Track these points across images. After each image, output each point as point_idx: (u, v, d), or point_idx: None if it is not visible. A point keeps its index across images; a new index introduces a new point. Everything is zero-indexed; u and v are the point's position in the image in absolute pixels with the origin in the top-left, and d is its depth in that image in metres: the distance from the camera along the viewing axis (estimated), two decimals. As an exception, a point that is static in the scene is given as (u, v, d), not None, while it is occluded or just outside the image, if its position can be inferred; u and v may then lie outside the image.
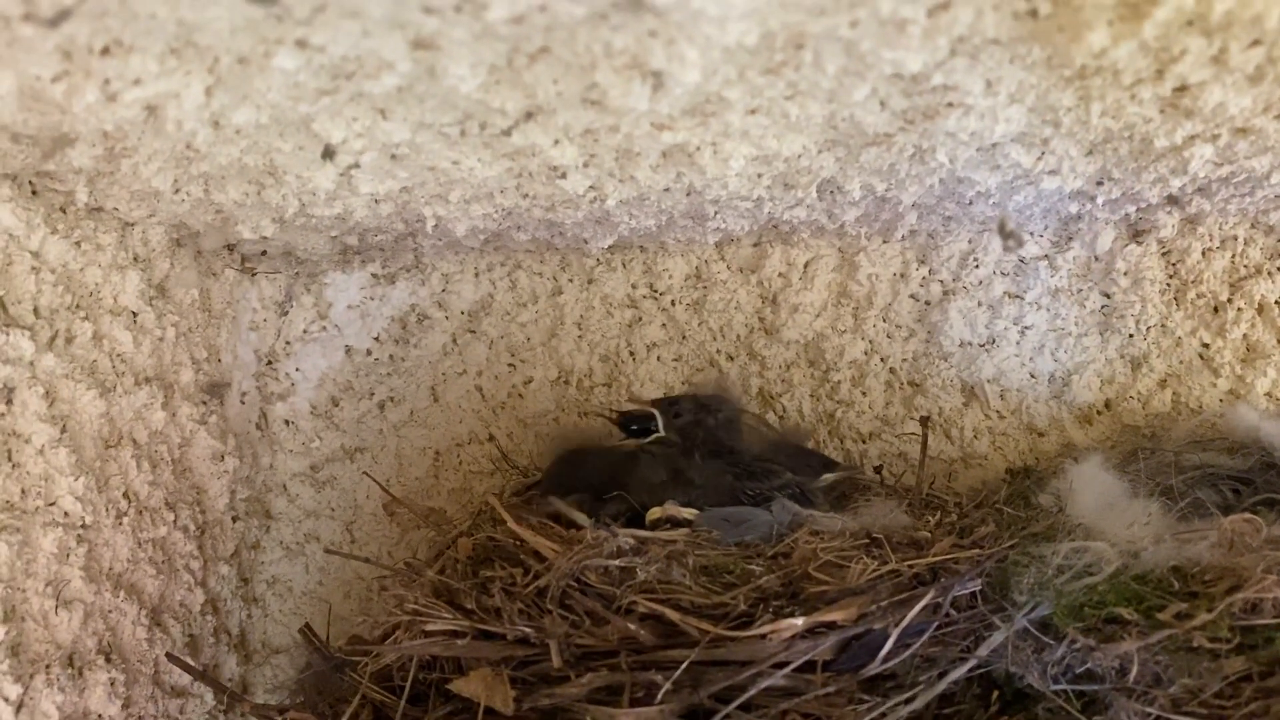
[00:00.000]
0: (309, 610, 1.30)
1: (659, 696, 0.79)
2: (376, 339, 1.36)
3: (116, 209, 1.06)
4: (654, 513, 0.99)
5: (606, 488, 1.09)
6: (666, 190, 1.05)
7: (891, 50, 0.76)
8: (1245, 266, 1.24)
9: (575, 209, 1.10)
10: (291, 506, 1.34)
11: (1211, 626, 0.80)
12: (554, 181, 1.00)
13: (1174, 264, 1.25)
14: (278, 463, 1.35)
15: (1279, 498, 0.98)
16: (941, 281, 1.29)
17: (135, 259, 1.11)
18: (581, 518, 1.01)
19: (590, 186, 1.02)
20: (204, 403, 1.22)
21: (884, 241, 1.29)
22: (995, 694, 0.82)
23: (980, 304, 1.28)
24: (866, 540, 0.93)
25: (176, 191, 1.01)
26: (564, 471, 1.16)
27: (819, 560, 0.89)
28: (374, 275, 1.36)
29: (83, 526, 1.00)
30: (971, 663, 0.82)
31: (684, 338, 1.33)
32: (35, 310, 0.98)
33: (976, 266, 1.28)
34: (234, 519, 1.28)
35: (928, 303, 1.29)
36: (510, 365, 1.35)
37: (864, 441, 1.30)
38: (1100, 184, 1.09)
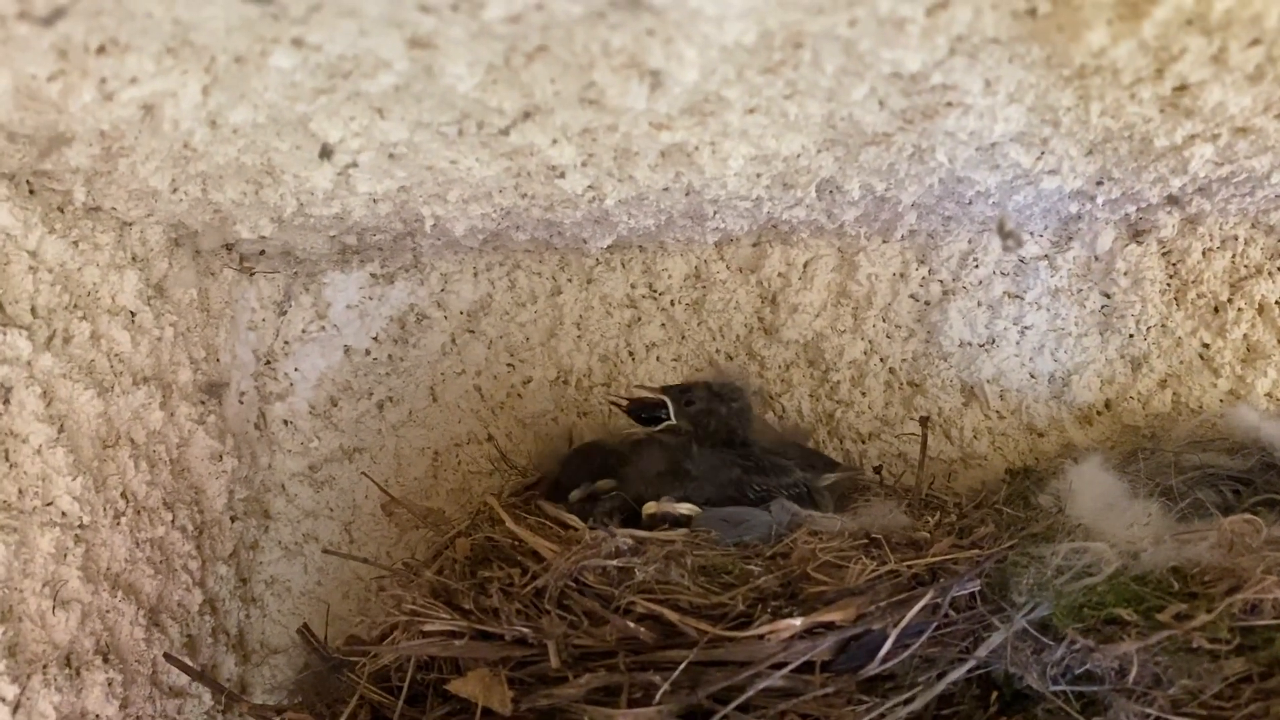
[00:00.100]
0: (307, 610, 1.30)
1: (657, 697, 0.78)
2: (375, 339, 1.36)
3: (114, 208, 1.05)
4: (649, 508, 0.99)
5: (612, 476, 1.09)
6: (665, 190, 1.05)
7: (890, 49, 0.75)
8: (1245, 266, 1.24)
9: (574, 209, 1.10)
10: (290, 506, 1.34)
11: (1211, 627, 0.80)
12: (552, 181, 1.00)
13: (1174, 264, 1.25)
14: (276, 463, 1.35)
15: (1279, 498, 0.98)
16: (941, 281, 1.29)
17: (133, 258, 1.11)
18: (573, 519, 1.01)
19: (589, 186, 1.01)
20: (202, 402, 1.22)
21: (883, 241, 1.29)
22: (994, 695, 0.82)
23: (980, 304, 1.28)
24: (865, 540, 0.93)
25: (174, 191, 1.01)
26: (575, 466, 1.15)
27: (818, 561, 0.89)
28: (373, 275, 1.36)
29: (80, 526, 1.00)
30: (970, 663, 0.81)
31: (683, 338, 1.33)
32: (33, 310, 0.98)
33: (976, 266, 1.28)
34: (232, 519, 1.28)
35: (927, 303, 1.29)
36: (509, 365, 1.35)
37: (863, 442, 1.29)
38: (1100, 184, 1.09)
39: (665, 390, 1.14)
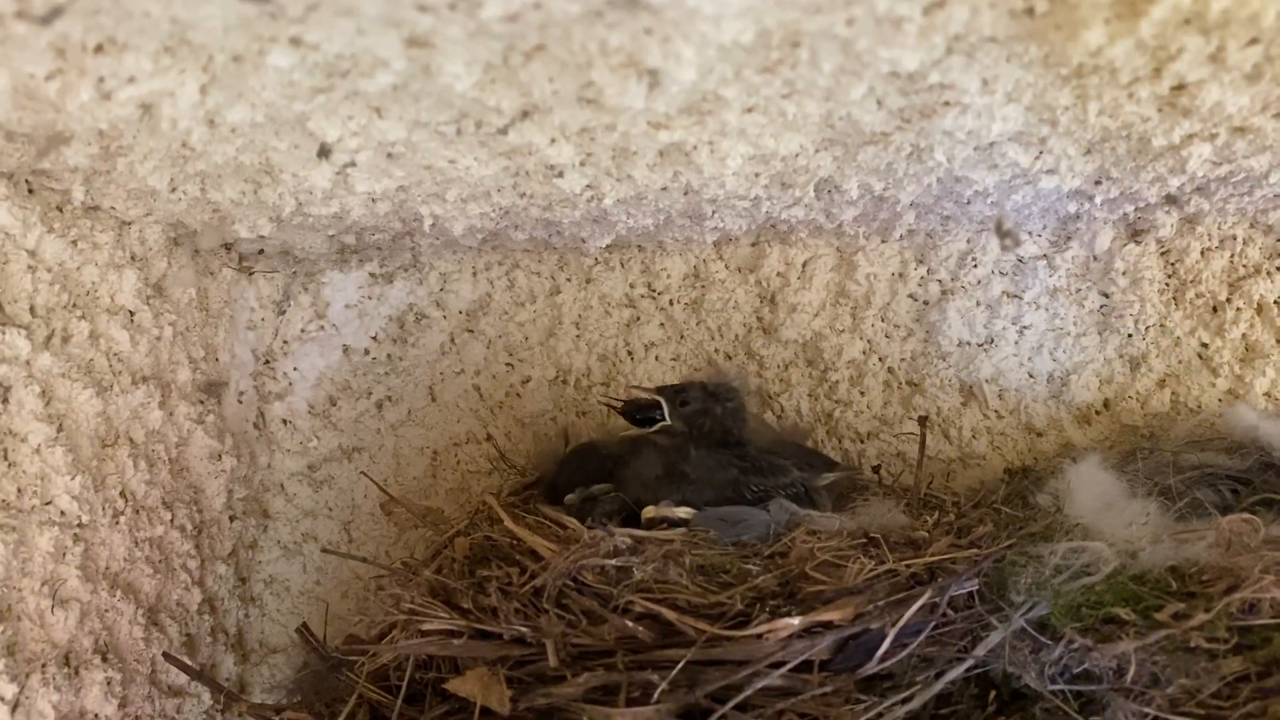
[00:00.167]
0: (306, 610, 1.30)
1: (655, 696, 0.78)
2: (374, 338, 1.36)
3: (113, 208, 1.05)
4: (648, 512, 0.99)
5: (608, 480, 1.09)
6: (664, 189, 1.05)
7: (888, 48, 0.75)
8: (1244, 266, 1.24)
9: (572, 208, 1.10)
10: (289, 506, 1.34)
11: (1209, 627, 0.79)
12: (551, 180, 1.00)
13: (1173, 264, 1.25)
14: (275, 462, 1.35)
15: (1277, 498, 0.98)
16: (940, 281, 1.29)
17: (132, 258, 1.11)
18: (571, 521, 1.01)
19: (587, 185, 1.02)
20: (201, 402, 1.22)
21: (882, 241, 1.29)
22: (992, 694, 0.82)
23: (979, 304, 1.28)
24: (864, 540, 0.93)
25: (173, 190, 1.01)
26: (571, 469, 1.15)
27: (816, 560, 0.89)
28: (372, 275, 1.36)
29: (79, 525, 1.00)
30: (969, 663, 0.81)
31: (682, 337, 1.33)
32: (31, 309, 0.98)
33: (975, 266, 1.28)
34: (231, 518, 1.28)
35: (926, 302, 1.29)
36: (508, 365, 1.35)
37: (862, 441, 1.29)
38: (1098, 183, 1.09)
39: (660, 390, 1.14)
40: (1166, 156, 1.00)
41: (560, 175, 0.99)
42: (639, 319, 1.33)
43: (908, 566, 0.88)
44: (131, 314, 1.11)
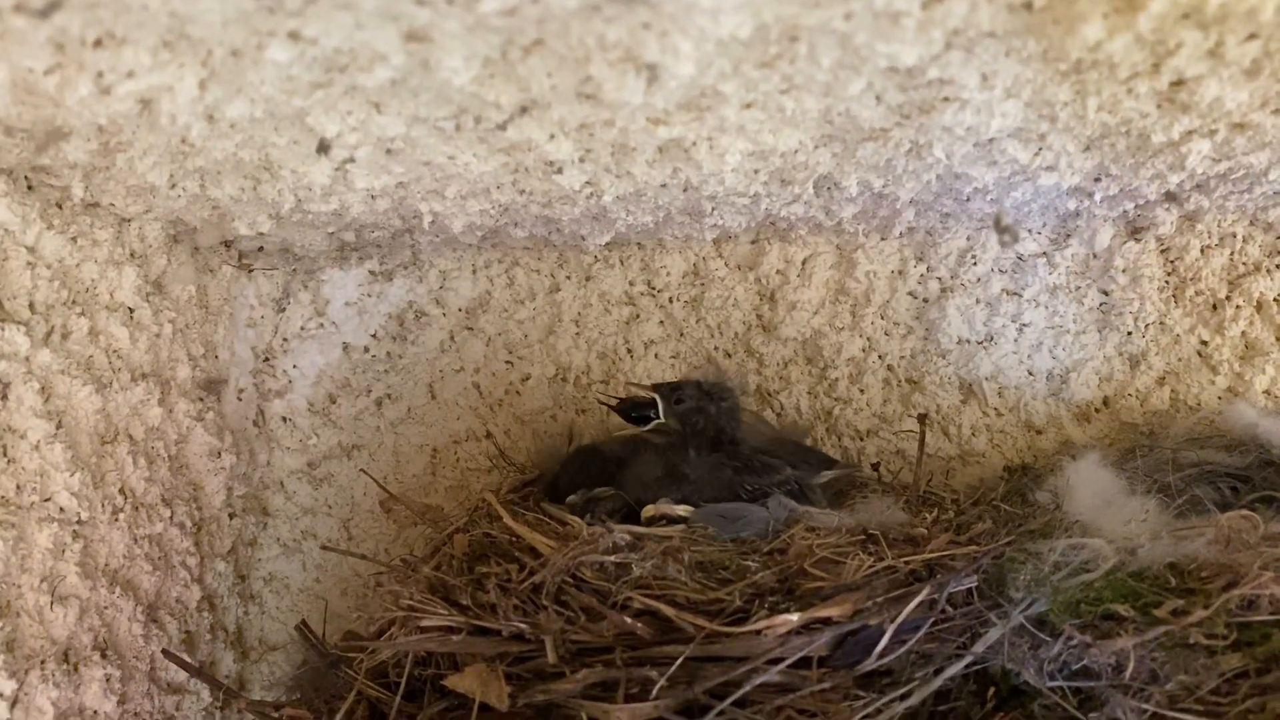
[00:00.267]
0: (305, 607, 1.30)
1: (654, 692, 0.78)
2: (374, 336, 1.36)
3: (113, 204, 1.05)
4: (648, 510, 0.99)
5: (610, 483, 1.09)
6: (663, 186, 1.05)
7: (886, 43, 0.75)
8: (1244, 264, 1.24)
9: (572, 205, 1.10)
10: (288, 503, 1.34)
11: (1208, 623, 0.79)
12: (550, 177, 1.00)
13: (1172, 261, 1.25)
14: (275, 459, 1.35)
15: (1277, 495, 0.98)
16: (939, 279, 1.29)
17: (132, 255, 1.11)
18: (571, 518, 1.00)
19: (586, 182, 1.01)
20: (201, 399, 1.22)
21: (882, 238, 1.29)
22: (991, 690, 0.82)
23: (978, 301, 1.28)
24: (863, 536, 0.92)
25: (172, 187, 1.01)
26: (573, 470, 1.15)
27: (815, 556, 0.89)
28: (371, 272, 1.36)
29: (78, 522, 1.00)
30: (967, 659, 0.81)
31: (682, 335, 1.33)
32: (31, 305, 0.98)
33: (974, 264, 1.28)
34: (231, 516, 1.28)
35: (926, 300, 1.29)
36: (508, 362, 1.35)
37: (862, 439, 1.29)
38: (1098, 180, 1.08)
39: (656, 388, 1.14)
40: (1166, 153, 1.00)
41: (559, 171, 0.99)
42: (638, 316, 1.33)
43: (907, 563, 0.88)
44: (131, 311, 1.11)
